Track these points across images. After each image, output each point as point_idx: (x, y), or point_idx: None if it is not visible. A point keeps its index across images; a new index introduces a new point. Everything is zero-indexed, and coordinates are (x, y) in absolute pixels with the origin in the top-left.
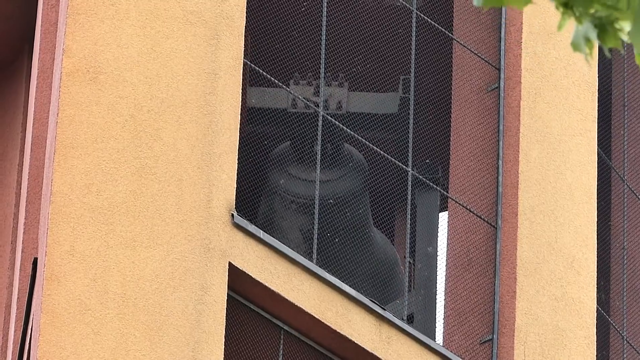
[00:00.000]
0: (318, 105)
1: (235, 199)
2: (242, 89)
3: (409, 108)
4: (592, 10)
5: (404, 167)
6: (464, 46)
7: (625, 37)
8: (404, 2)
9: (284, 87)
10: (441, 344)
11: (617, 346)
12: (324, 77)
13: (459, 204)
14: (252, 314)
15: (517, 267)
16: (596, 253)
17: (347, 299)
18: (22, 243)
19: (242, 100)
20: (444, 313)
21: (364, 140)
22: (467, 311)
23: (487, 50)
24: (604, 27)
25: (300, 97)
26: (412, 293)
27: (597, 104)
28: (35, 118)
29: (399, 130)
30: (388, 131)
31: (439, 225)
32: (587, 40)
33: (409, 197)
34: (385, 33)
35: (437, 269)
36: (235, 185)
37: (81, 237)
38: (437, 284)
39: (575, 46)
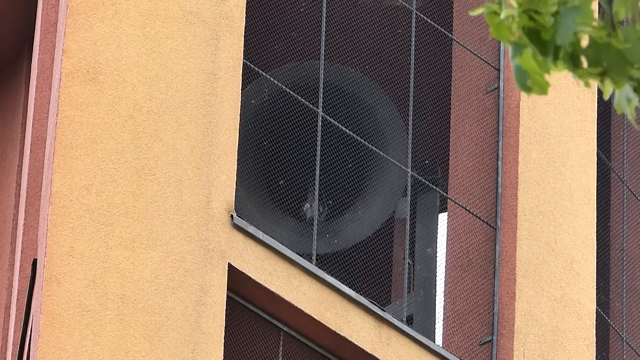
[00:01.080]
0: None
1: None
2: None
3: (408, 108)
4: (629, 75)
5: (404, 167)
6: (464, 47)
7: None
8: (403, 3)
9: (284, 86)
10: (441, 345)
11: (616, 347)
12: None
13: (459, 204)
14: (251, 315)
15: (517, 268)
16: (596, 254)
17: (346, 300)
18: (22, 244)
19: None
20: (444, 314)
21: (363, 142)
22: (466, 312)
23: (487, 51)
24: None
25: (300, 97)
26: (412, 294)
27: (596, 105)
28: (34, 118)
29: (399, 131)
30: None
31: (439, 226)
32: (629, 101)
33: (409, 198)
34: (385, 33)
35: (437, 270)
36: (235, 186)
37: (81, 238)
38: (437, 285)
39: (619, 107)
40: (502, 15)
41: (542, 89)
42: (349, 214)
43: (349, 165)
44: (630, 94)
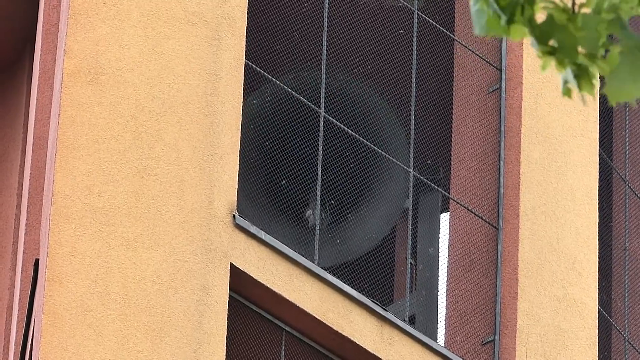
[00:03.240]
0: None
1: (237, 200)
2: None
3: (410, 109)
4: (576, 60)
5: (406, 167)
6: (466, 47)
7: (597, 84)
8: (405, 3)
9: (286, 87)
10: (443, 345)
11: (618, 347)
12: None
13: (461, 204)
14: (253, 315)
15: (519, 268)
16: (598, 254)
17: (348, 300)
18: (24, 244)
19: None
20: (446, 314)
21: (364, 141)
22: (468, 312)
23: (489, 51)
24: (582, 74)
25: (300, 97)
26: (414, 294)
27: (598, 105)
28: (36, 119)
29: (401, 131)
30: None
31: (441, 226)
32: (566, 83)
33: (411, 198)
34: (387, 34)
35: (439, 270)
36: (237, 186)
37: (82, 238)
38: (439, 285)
39: (564, 91)
40: None
41: (501, 31)
42: (352, 221)
43: (352, 168)
44: (570, 78)
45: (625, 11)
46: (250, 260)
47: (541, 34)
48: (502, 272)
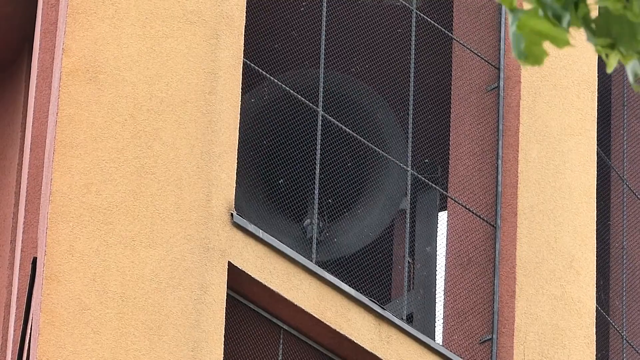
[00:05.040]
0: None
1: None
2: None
3: (408, 107)
4: (637, 48)
5: (403, 166)
6: (464, 45)
7: None
8: (403, 2)
9: (284, 85)
10: (441, 344)
11: (616, 346)
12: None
13: (459, 203)
14: (251, 313)
15: (517, 267)
16: (595, 252)
17: (346, 299)
18: (22, 242)
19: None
20: (444, 312)
21: (363, 140)
22: (466, 311)
23: (487, 50)
24: None
25: (299, 96)
26: (412, 292)
27: (596, 104)
28: (34, 117)
29: (399, 129)
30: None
31: (438, 225)
32: (637, 75)
33: (409, 197)
34: (385, 32)
35: (437, 269)
36: (235, 185)
37: (80, 236)
38: (437, 284)
39: (635, 87)
40: None
41: (538, 59)
42: (350, 221)
43: (350, 168)
44: (637, 69)
45: None
46: (248, 258)
47: (598, 29)
48: (500, 271)
